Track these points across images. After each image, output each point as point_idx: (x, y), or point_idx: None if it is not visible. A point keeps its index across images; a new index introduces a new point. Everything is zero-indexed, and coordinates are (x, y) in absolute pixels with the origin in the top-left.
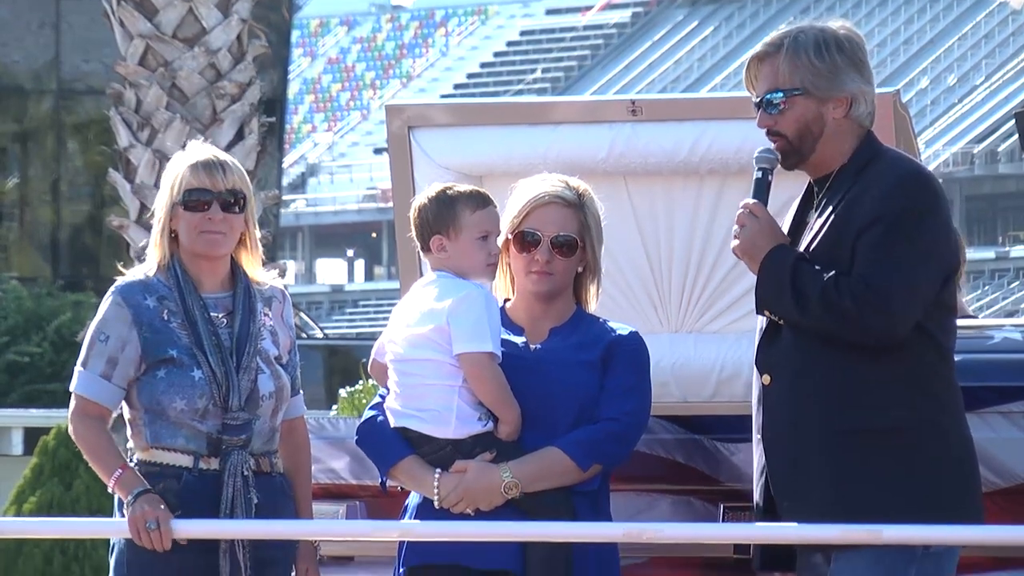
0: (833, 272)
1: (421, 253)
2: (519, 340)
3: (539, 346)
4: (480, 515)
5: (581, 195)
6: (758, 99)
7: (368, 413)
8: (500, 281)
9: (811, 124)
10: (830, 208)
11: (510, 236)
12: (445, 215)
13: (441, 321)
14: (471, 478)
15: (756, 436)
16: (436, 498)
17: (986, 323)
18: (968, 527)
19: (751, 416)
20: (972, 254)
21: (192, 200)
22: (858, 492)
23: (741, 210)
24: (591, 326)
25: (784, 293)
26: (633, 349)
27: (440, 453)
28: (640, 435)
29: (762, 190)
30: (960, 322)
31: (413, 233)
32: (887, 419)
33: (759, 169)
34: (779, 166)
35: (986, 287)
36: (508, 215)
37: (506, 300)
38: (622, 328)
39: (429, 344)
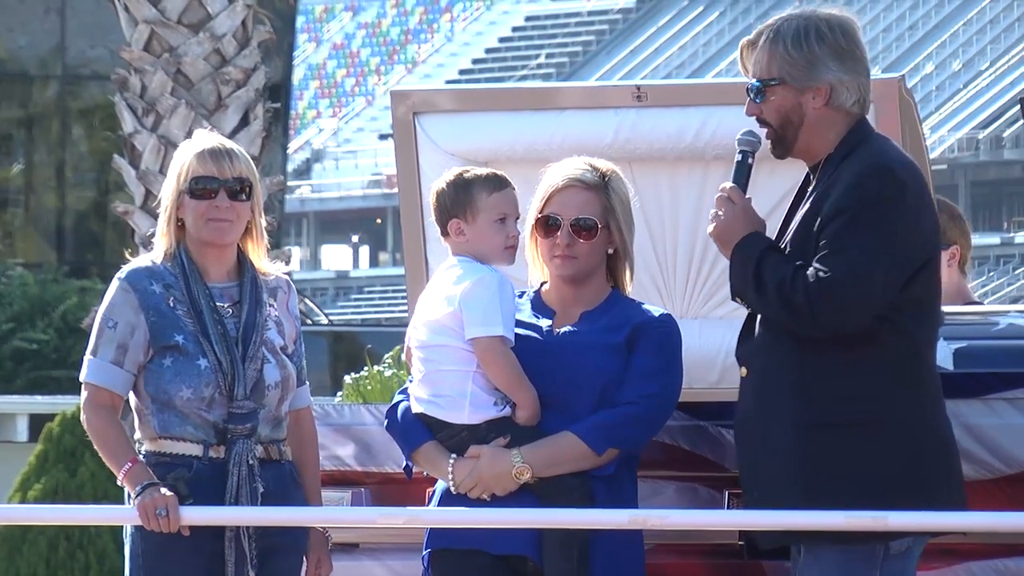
0: (795, 265)
1: (441, 239)
2: (545, 324)
3: (564, 330)
4: (496, 500)
5: (605, 176)
6: (748, 88)
7: (397, 398)
8: (534, 266)
9: (790, 114)
10: (809, 198)
11: (534, 221)
12: (462, 198)
13: (454, 306)
14: (484, 464)
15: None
16: (451, 484)
17: (991, 309)
18: (973, 514)
19: None
20: (977, 240)
21: (199, 188)
22: (825, 486)
23: (719, 194)
24: (624, 309)
25: (749, 282)
26: (661, 331)
27: (456, 439)
28: (664, 418)
29: (742, 173)
30: (965, 308)
31: (433, 218)
32: (856, 413)
33: (740, 152)
34: (771, 154)
35: (991, 273)
36: (534, 200)
37: (543, 284)
38: (654, 310)
39: (444, 329)
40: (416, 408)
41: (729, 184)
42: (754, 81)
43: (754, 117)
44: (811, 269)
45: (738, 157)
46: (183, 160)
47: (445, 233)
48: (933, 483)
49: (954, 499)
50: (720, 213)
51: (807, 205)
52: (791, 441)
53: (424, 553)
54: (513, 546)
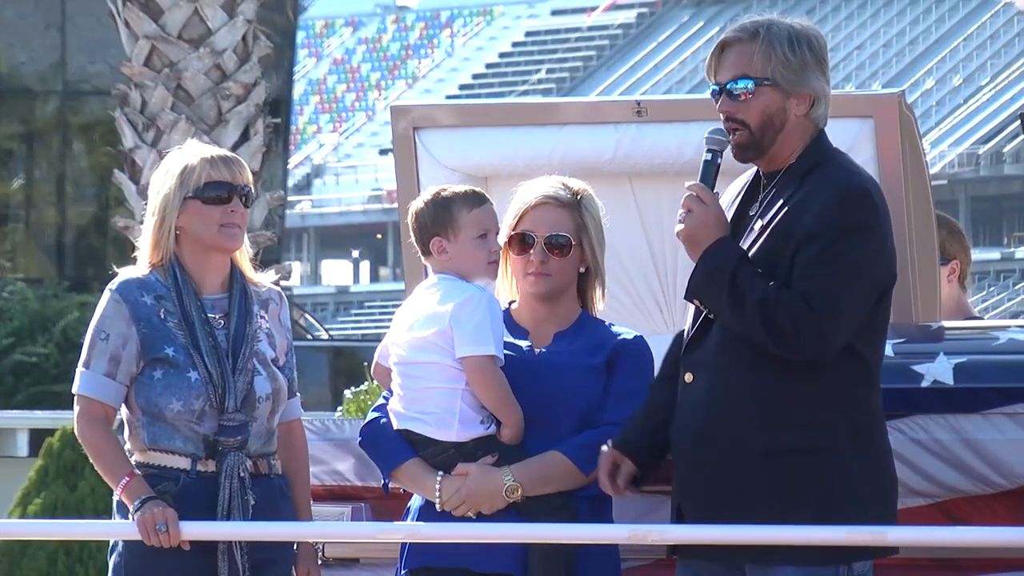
0: (773, 283)
1: (422, 257)
2: (524, 343)
3: (544, 349)
4: (482, 518)
5: (578, 195)
6: (719, 86)
7: (371, 415)
8: (503, 284)
9: (774, 116)
10: (773, 210)
11: (507, 239)
12: (442, 216)
13: (444, 324)
14: (473, 481)
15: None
16: (438, 501)
17: (991, 324)
18: (974, 529)
19: None
20: (977, 255)
21: (212, 194)
22: (760, 508)
23: (688, 193)
24: (596, 329)
25: (721, 290)
26: (638, 353)
27: (442, 456)
28: None
29: (710, 173)
30: (965, 323)
31: (412, 239)
32: (815, 439)
33: (709, 151)
34: (733, 158)
35: (991, 288)
36: (507, 218)
37: (511, 303)
38: (627, 332)
39: (432, 347)
40: (399, 424)
41: (697, 183)
42: (745, 79)
43: (724, 116)
44: (794, 292)
45: (707, 156)
46: (187, 166)
47: (426, 252)
48: (883, 511)
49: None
50: (690, 213)
51: (769, 218)
52: (732, 461)
53: (403, 572)
54: (498, 564)
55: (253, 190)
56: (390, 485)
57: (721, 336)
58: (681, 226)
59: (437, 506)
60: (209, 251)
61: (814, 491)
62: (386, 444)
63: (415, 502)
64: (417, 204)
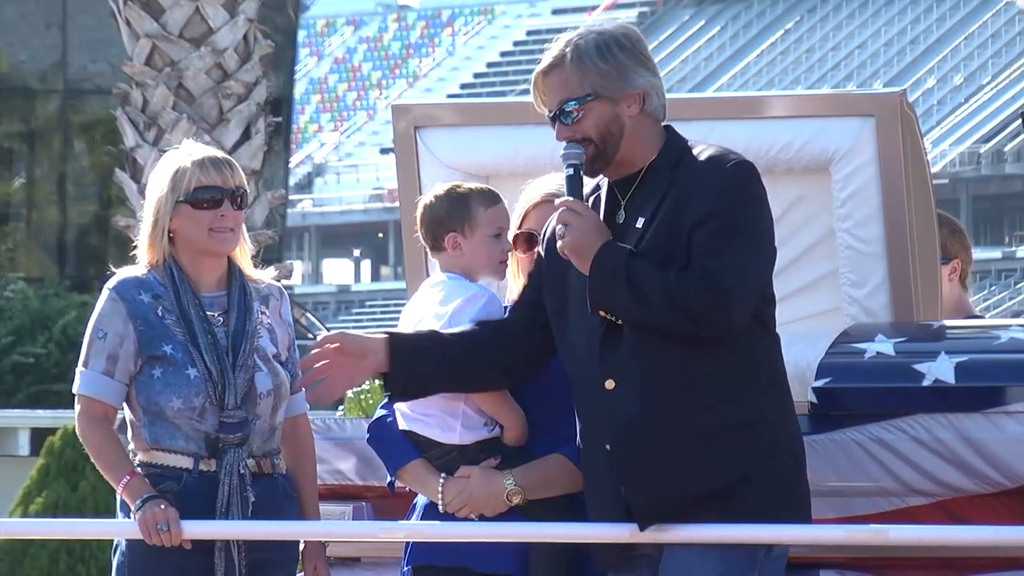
0: (672, 268)
1: (431, 252)
2: None
3: None
4: (483, 521)
5: None
6: (552, 113)
7: (379, 412)
8: (513, 283)
9: (610, 126)
10: (651, 206)
11: (513, 237)
12: (459, 212)
13: (444, 325)
14: (475, 485)
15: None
16: (440, 504)
17: (992, 323)
18: (974, 528)
19: None
20: (978, 254)
21: (203, 198)
22: (715, 490)
23: (560, 209)
24: None
25: (620, 291)
26: None
27: (446, 458)
28: None
29: (577, 187)
30: (966, 322)
31: (420, 233)
32: (736, 414)
33: (569, 166)
34: (583, 174)
35: (992, 287)
36: (512, 217)
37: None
38: None
39: None
40: (404, 425)
41: (568, 198)
42: (569, 102)
43: (565, 141)
44: (694, 272)
45: (569, 171)
46: (178, 170)
47: (438, 247)
48: (802, 482)
49: (807, 498)
50: (568, 226)
51: (651, 214)
52: (680, 448)
53: (405, 569)
54: (499, 564)
55: (248, 190)
56: (396, 484)
57: (634, 337)
58: (565, 240)
59: (440, 508)
60: (203, 253)
61: (758, 462)
62: (392, 443)
63: (421, 499)
64: (428, 198)
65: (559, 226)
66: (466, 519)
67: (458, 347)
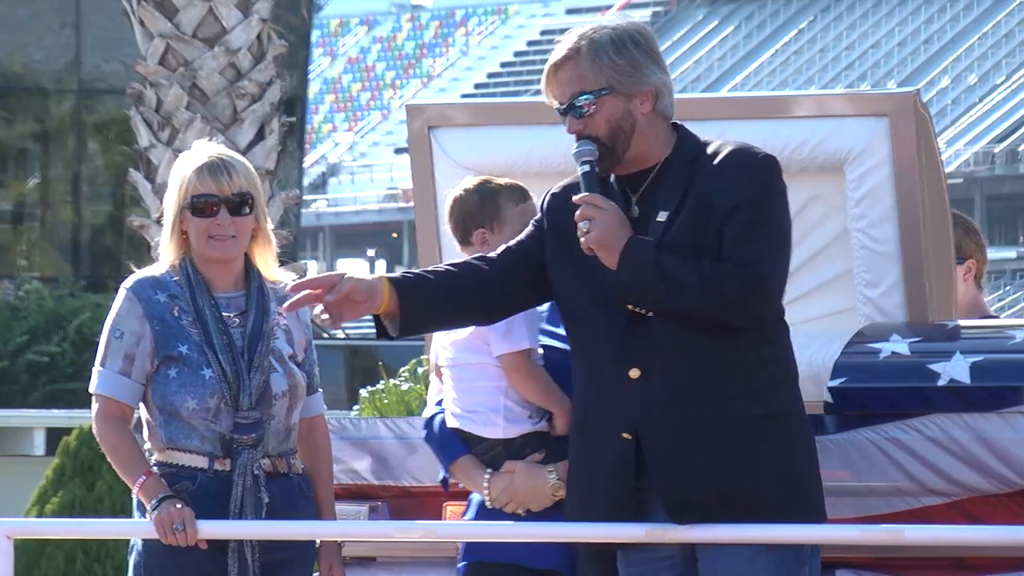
0: (705, 259)
1: (459, 247)
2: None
3: None
4: (530, 515)
5: None
6: (563, 106)
7: (433, 409)
8: None
9: (621, 122)
10: (674, 200)
11: None
12: (488, 208)
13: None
14: (519, 480)
15: (600, 433)
16: (487, 499)
17: (1007, 323)
18: (992, 528)
19: None
20: (993, 254)
21: (199, 205)
22: (746, 480)
23: (582, 206)
24: None
25: (652, 283)
26: None
27: (492, 453)
28: None
29: (593, 183)
30: (981, 322)
31: (449, 226)
32: (764, 405)
33: (583, 163)
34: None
35: (1007, 287)
36: None
37: None
38: None
39: (471, 347)
40: (450, 423)
41: (587, 194)
42: (583, 95)
43: (575, 135)
44: (728, 261)
45: (585, 168)
46: (182, 175)
47: (466, 242)
48: (819, 477)
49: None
50: (592, 221)
51: (681, 207)
52: (711, 438)
53: (460, 565)
54: (547, 560)
55: (254, 193)
56: (450, 480)
57: (661, 325)
58: (590, 236)
59: (487, 504)
60: (205, 258)
61: (786, 455)
62: (443, 440)
63: (476, 496)
64: (457, 192)
65: (581, 222)
66: (513, 514)
67: (444, 289)
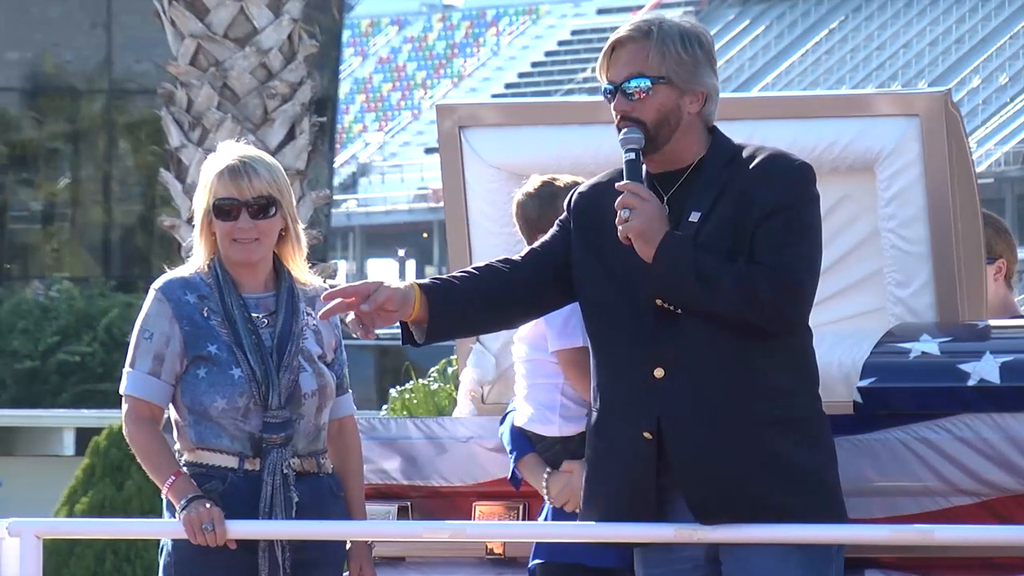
0: (740, 260)
1: (525, 245)
2: None
3: None
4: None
5: None
6: (613, 85)
7: (509, 407)
8: None
9: (669, 115)
10: (707, 201)
11: None
12: (548, 213)
13: (539, 320)
14: (577, 479)
15: (619, 433)
16: (547, 498)
17: None
18: (1019, 528)
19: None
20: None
21: (221, 209)
22: (777, 481)
23: (624, 194)
24: None
25: (688, 279)
26: None
27: (551, 452)
28: None
29: (637, 171)
30: (1011, 322)
31: (516, 227)
32: (788, 408)
33: (629, 150)
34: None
35: None
36: None
37: None
38: None
39: (532, 343)
40: (518, 420)
41: (630, 182)
42: (642, 78)
43: (620, 115)
44: (764, 264)
45: (630, 156)
46: (207, 178)
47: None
48: (838, 479)
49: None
50: (633, 210)
51: (713, 207)
52: (739, 440)
53: (531, 565)
54: (607, 559)
55: (277, 196)
56: (520, 479)
57: (690, 326)
58: (630, 224)
59: (548, 502)
60: (229, 260)
61: (810, 458)
62: (512, 438)
63: None
64: (521, 196)
65: (622, 210)
66: (573, 513)
67: (472, 296)
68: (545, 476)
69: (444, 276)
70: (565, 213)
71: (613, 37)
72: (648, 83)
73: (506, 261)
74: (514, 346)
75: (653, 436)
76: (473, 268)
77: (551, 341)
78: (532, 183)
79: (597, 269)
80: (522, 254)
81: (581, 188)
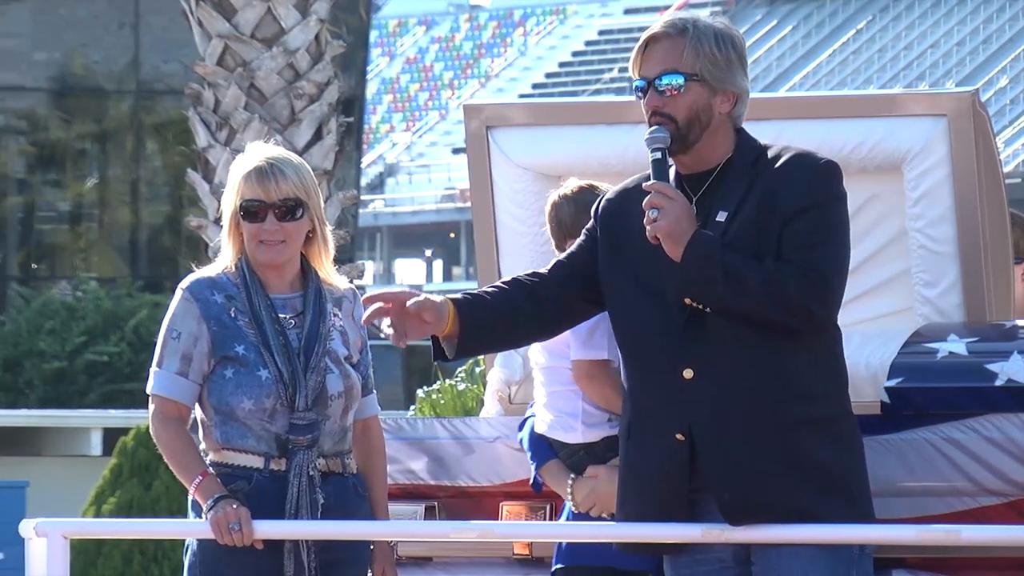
0: (768, 259)
1: (556, 252)
2: None
3: None
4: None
5: None
6: (646, 80)
7: (527, 412)
8: None
9: (700, 113)
10: (734, 201)
11: None
12: (583, 218)
13: (583, 343)
14: (602, 484)
15: (642, 435)
16: (572, 504)
17: None
18: None
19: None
20: None
21: (248, 210)
22: (806, 483)
23: (652, 194)
24: None
25: (716, 279)
26: None
27: (575, 458)
28: None
29: (663, 171)
30: None
31: (548, 229)
32: (818, 409)
33: (655, 150)
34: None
35: None
36: None
37: None
38: None
39: (555, 350)
40: (539, 427)
41: (657, 182)
42: (675, 74)
43: (651, 111)
44: (791, 264)
45: (656, 155)
46: (235, 179)
47: (561, 249)
48: (867, 478)
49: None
50: (661, 210)
51: (740, 207)
52: (768, 441)
53: (554, 568)
54: (637, 562)
55: (304, 198)
56: (542, 484)
57: (719, 326)
58: (658, 224)
59: (572, 508)
60: (255, 262)
61: (839, 459)
62: (532, 444)
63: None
64: (556, 196)
65: (650, 210)
66: (599, 518)
67: (502, 314)
68: (570, 482)
69: (475, 291)
70: (592, 221)
71: (647, 33)
72: (681, 80)
73: (534, 275)
74: (533, 351)
75: (685, 438)
76: (503, 282)
77: (574, 350)
78: (570, 185)
79: (625, 272)
80: (549, 267)
81: (608, 195)
